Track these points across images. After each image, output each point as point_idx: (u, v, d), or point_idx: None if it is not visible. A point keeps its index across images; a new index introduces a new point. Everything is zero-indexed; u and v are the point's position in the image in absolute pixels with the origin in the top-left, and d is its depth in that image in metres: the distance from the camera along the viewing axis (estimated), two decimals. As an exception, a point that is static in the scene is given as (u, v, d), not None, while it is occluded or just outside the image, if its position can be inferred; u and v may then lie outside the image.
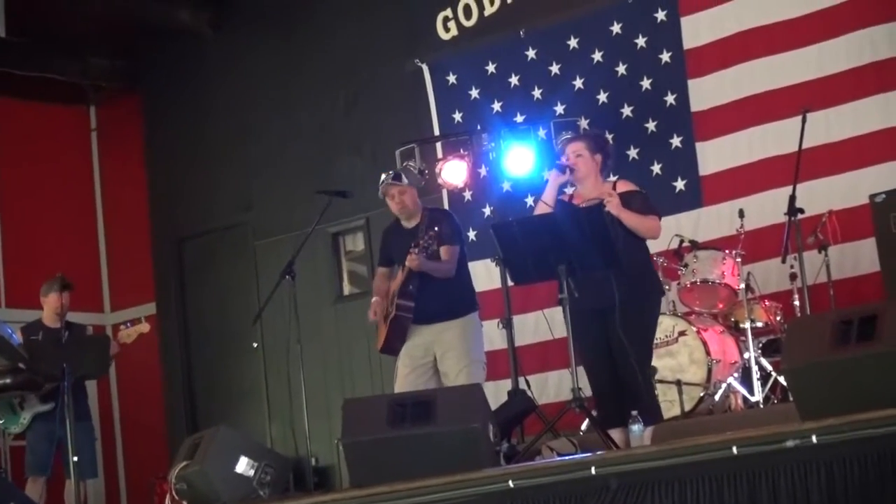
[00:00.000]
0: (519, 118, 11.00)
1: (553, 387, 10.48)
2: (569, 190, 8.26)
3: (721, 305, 9.49)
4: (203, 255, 13.33)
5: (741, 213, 9.41)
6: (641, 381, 7.49)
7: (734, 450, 5.67)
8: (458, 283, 8.54)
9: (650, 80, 10.53)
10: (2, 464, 11.28)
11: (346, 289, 12.52)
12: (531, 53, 11.10)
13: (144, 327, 10.21)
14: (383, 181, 8.60)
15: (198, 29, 13.17)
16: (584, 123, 10.53)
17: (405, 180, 8.57)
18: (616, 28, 10.69)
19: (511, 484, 6.19)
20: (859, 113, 9.67)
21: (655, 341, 8.95)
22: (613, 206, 7.48)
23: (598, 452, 6.87)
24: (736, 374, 9.15)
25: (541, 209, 7.79)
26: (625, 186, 7.81)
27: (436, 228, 8.35)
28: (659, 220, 7.75)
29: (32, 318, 10.33)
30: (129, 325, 10.25)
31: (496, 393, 9.57)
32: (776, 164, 9.80)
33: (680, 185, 10.36)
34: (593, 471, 6.01)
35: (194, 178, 13.32)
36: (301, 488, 9.93)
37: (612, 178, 7.90)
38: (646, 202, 7.77)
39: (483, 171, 10.97)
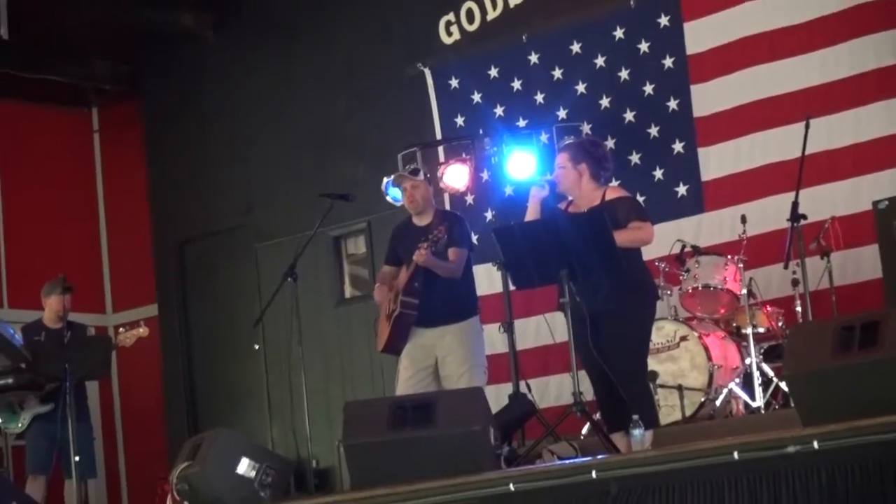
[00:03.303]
0: (521, 123, 11.00)
1: (554, 390, 10.48)
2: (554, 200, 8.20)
3: (723, 311, 9.49)
4: (204, 258, 13.35)
5: (743, 219, 9.41)
6: (636, 387, 7.48)
7: (735, 455, 5.67)
8: (462, 287, 8.52)
9: (653, 86, 10.54)
10: (3, 463, 11.28)
11: (348, 291, 12.53)
12: (533, 58, 11.11)
13: (143, 331, 10.18)
14: (398, 172, 8.58)
15: (200, 32, 13.18)
16: (586, 128, 10.53)
17: (421, 176, 8.56)
18: (619, 33, 10.70)
19: (512, 487, 6.19)
20: (862, 120, 9.68)
21: (657, 346, 9.03)
22: None
23: (599, 456, 6.88)
24: (737, 380, 9.16)
25: None
26: (614, 193, 7.74)
27: (443, 227, 8.33)
28: (650, 225, 7.64)
29: (34, 318, 10.33)
30: (127, 328, 10.24)
31: (497, 396, 9.57)
32: (778, 170, 9.80)
33: (682, 190, 10.36)
34: (594, 475, 6.01)
35: (196, 180, 13.34)
36: (302, 490, 9.95)
37: (604, 185, 7.82)
38: (634, 208, 7.70)
39: (485, 175, 10.99)
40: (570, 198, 7.84)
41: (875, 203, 8.82)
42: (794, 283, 8.99)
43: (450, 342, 8.37)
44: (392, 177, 8.75)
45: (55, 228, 13.63)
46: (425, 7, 11.79)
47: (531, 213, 7.84)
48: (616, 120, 10.63)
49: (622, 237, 7.43)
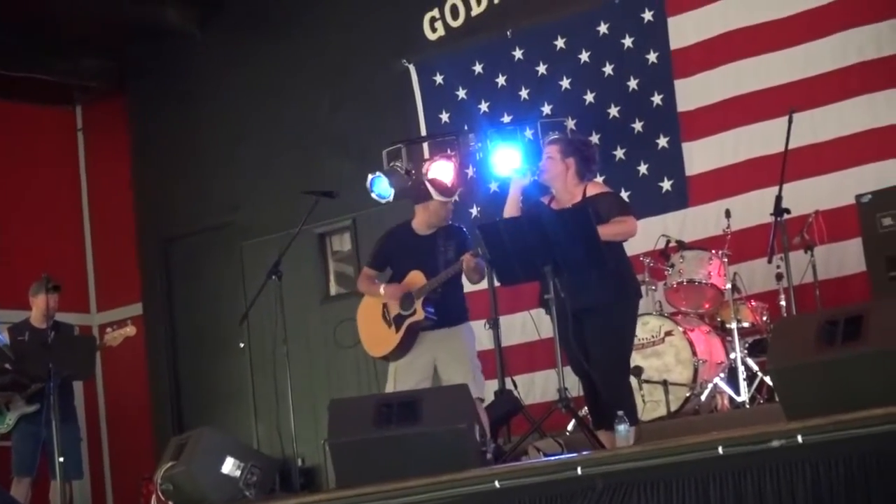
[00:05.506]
0: (506, 118, 10.98)
1: (539, 387, 10.48)
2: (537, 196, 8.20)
3: (707, 305, 9.50)
4: (190, 256, 13.31)
5: (727, 214, 9.43)
6: (618, 383, 7.48)
7: (720, 450, 5.69)
8: (461, 291, 8.58)
9: (637, 81, 10.54)
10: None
11: (333, 289, 12.51)
12: (518, 54, 11.10)
13: (131, 330, 10.19)
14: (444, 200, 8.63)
15: (185, 29, 13.14)
16: (570, 124, 10.54)
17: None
18: (603, 28, 10.70)
19: (497, 484, 6.20)
20: (845, 113, 9.69)
21: (642, 341, 9.02)
22: None
23: (585, 452, 6.88)
24: (722, 375, 9.16)
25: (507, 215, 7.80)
26: (595, 189, 7.76)
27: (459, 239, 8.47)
28: (633, 219, 7.65)
29: (18, 318, 10.31)
30: (114, 328, 10.24)
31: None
32: (762, 164, 9.81)
33: (666, 185, 10.36)
34: (579, 471, 6.02)
35: (181, 178, 13.30)
36: (287, 489, 9.89)
37: (585, 182, 7.81)
38: (617, 203, 7.75)
39: (470, 171, 10.96)
40: (552, 191, 7.85)
41: (858, 197, 8.84)
42: (779, 277, 8.98)
43: (452, 345, 8.38)
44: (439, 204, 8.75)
45: (39, 227, 13.58)
46: (409, 3, 11.78)
47: (511, 202, 7.87)
48: (601, 115, 10.63)
49: (606, 231, 7.44)
